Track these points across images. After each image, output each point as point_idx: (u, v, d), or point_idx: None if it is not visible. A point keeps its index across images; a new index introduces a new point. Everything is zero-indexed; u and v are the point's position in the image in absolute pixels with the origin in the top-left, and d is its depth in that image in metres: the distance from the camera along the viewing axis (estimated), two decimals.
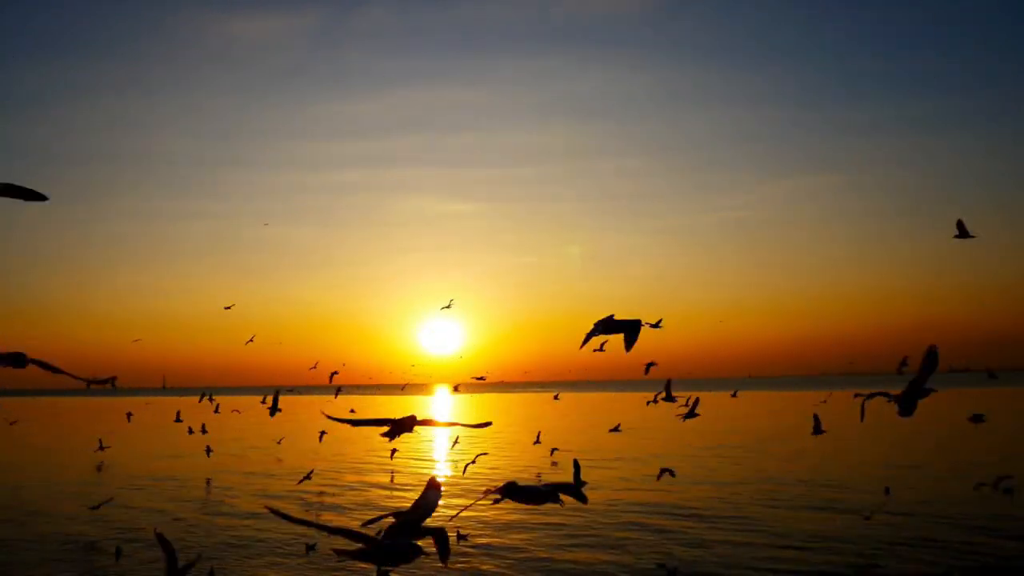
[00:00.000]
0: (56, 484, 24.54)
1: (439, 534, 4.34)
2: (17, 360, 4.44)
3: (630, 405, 76.26)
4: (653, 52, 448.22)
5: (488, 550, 14.36)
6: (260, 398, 18.02)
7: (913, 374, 5.35)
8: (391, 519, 4.25)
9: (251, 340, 20.66)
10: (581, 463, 6.11)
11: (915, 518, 16.49)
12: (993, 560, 13.13)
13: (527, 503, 4.49)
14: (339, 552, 3.84)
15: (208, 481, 24.75)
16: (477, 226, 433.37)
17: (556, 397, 27.77)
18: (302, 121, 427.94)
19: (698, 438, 35.82)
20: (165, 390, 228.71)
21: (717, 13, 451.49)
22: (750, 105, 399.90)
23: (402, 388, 35.15)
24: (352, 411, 16.67)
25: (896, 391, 5.54)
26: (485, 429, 5.94)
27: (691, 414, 14.30)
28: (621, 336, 5.53)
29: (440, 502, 4.29)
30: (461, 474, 23.57)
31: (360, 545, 3.68)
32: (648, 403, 18.15)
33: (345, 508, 19.32)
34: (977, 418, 19.06)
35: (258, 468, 28.40)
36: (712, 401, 23.46)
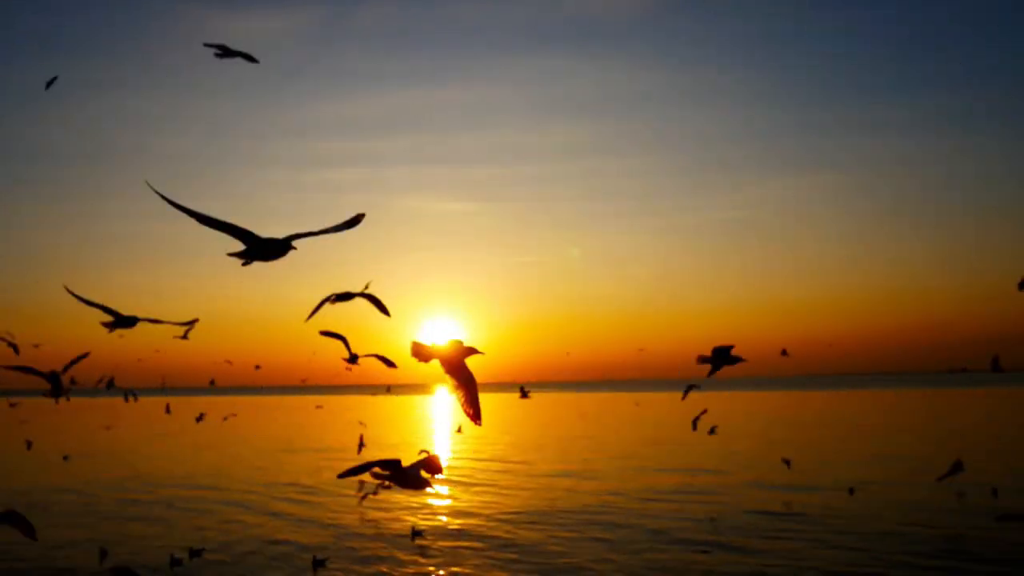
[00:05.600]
0: None
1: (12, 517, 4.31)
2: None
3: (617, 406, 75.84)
4: (653, 52, 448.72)
5: (447, 549, 13.71)
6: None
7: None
8: None
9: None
10: None
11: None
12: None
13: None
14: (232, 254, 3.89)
15: None
16: (477, 226, 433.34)
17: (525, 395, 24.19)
18: (301, 121, 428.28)
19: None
20: (164, 390, 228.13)
21: (717, 13, 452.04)
22: (750, 105, 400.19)
23: (387, 389, 33.87)
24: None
25: None
26: None
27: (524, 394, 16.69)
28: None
29: None
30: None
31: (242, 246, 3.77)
32: None
33: None
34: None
35: None
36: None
